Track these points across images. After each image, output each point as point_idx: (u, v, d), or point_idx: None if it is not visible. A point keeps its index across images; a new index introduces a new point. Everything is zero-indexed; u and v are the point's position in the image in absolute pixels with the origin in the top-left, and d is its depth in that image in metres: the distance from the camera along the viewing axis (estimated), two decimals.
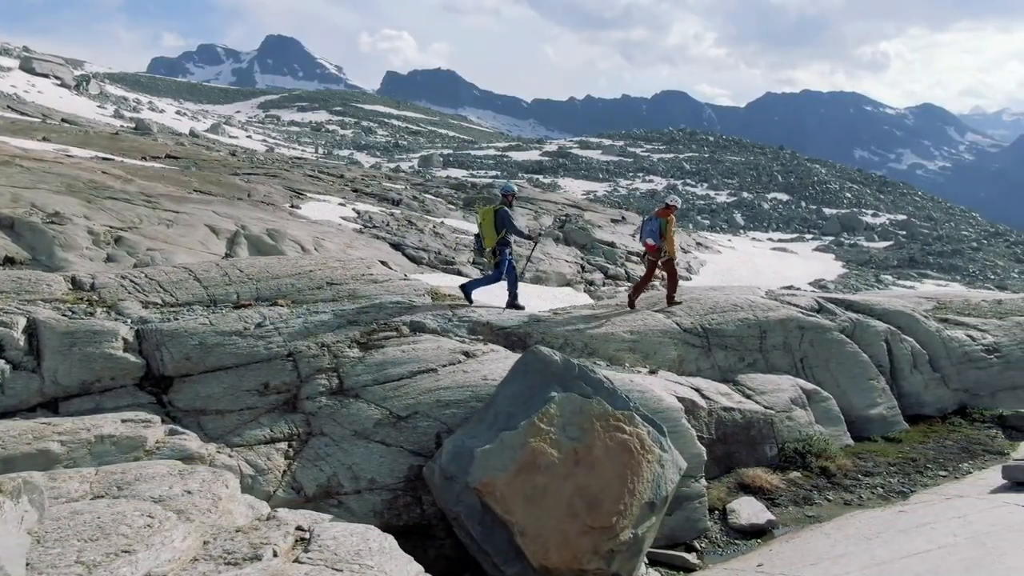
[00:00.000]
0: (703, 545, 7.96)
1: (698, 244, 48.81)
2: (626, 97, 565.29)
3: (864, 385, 11.56)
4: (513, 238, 11.35)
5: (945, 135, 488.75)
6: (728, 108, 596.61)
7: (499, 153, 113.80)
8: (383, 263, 14.05)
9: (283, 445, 7.69)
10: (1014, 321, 13.78)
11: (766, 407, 10.17)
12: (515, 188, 11.98)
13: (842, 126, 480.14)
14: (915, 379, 12.28)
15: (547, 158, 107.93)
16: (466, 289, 11.75)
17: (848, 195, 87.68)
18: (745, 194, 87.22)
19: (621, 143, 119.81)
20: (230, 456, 7.28)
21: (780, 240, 66.54)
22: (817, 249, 61.99)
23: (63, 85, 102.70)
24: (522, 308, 11.68)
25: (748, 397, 10.35)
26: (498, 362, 8.97)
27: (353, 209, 36.82)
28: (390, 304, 10.55)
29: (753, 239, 66.52)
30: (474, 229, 38.90)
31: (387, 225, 35.12)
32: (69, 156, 34.11)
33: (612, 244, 40.36)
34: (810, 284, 45.35)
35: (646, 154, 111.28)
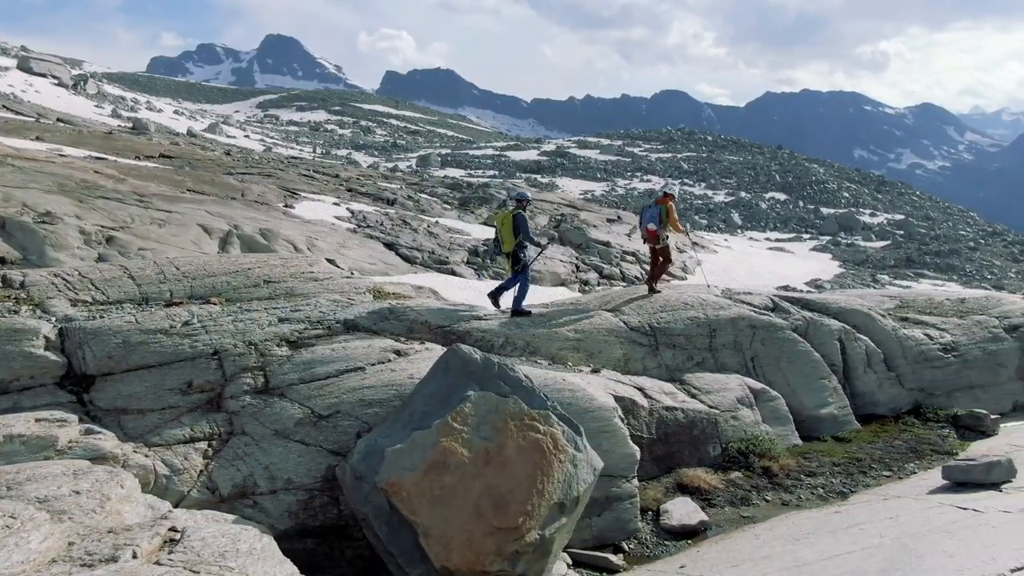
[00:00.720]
0: (632, 546, 7.86)
1: (694, 244, 48.65)
2: (626, 97, 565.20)
3: (815, 384, 11.47)
4: (528, 243, 11.82)
5: (944, 135, 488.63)
6: (728, 108, 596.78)
7: (497, 153, 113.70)
8: (330, 261, 14.03)
9: (203, 445, 7.61)
10: (974, 320, 13.65)
11: (711, 407, 10.10)
12: (530, 195, 12.57)
13: (842, 126, 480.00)
14: (869, 378, 12.18)
15: (545, 158, 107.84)
16: (495, 294, 12.20)
17: (846, 195, 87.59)
18: (743, 194, 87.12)
19: (619, 143, 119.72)
20: (146, 456, 7.18)
21: (777, 240, 66.42)
22: (814, 249, 61.87)
23: (61, 85, 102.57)
24: (528, 313, 11.99)
25: (693, 396, 10.26)
26: (428, 361, 8.76)
27: (347, 209, 36.75)
28: (327, 302, 10.45)
29: (750, 239, 66.43)
30: (469, 229, 38.99)
31: (381, 225, 35.05)
32: (62, 155, 34.01)
33: (607, 244, 40.24)
34: (806, 284, 45.23)
35: (644, 154, 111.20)
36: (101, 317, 8.91)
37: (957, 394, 12.50)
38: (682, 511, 8.27)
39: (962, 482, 8.33)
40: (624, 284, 36.02)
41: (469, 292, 28.93)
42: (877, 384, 12.15)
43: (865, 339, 12.48)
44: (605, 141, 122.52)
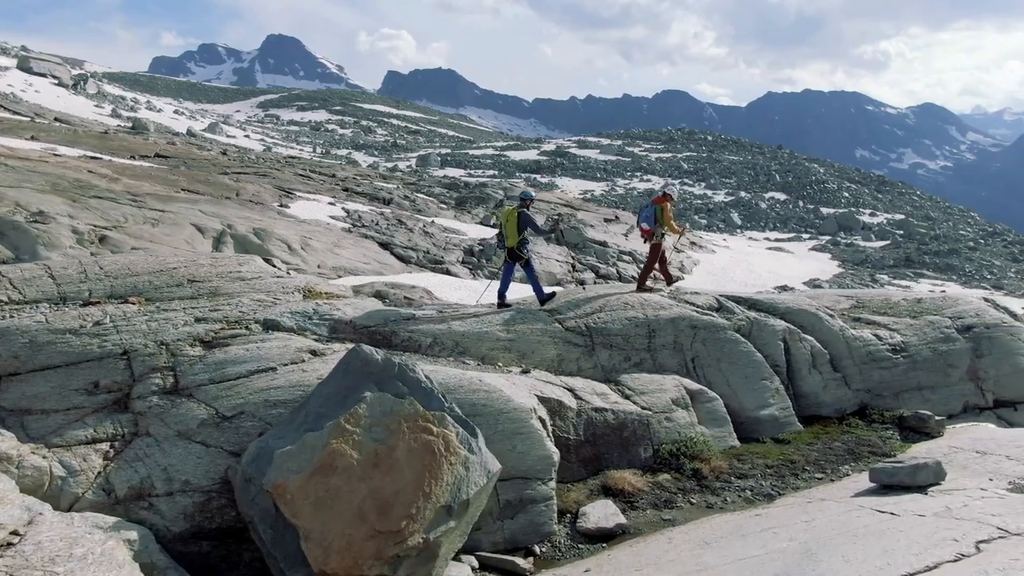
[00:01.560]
0: (544, 549, 7.73)
1: (692, 244, 48.55)
2: (627, 97, 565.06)
3: (756, 385, 11.29)
4: (532, 236, 12.62)
5: (946, 134, 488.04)
6: (729, 107, 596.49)
7: (497, 153, 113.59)
8: (267, 260, 13.86)
9: (104, 446, 7.51)
10: (927, 320, 13.42)
11: (643, 408, 9.94)
12: (534, 195, 13.25)
13: (843, 125, 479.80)
14: (813, 379, 12.00)
15: (545, 157, 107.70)
16: (540, 297, 12.55)
17: (846, 195, 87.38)
18: (743, 193, 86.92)
19: (619, 143, 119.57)
20: (43, 458, 7.06)
21: (777, 240, 66.27)
22: (813, 249, 61.70)
23: (60, 85, 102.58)
24: (510, 306, 12.54)
25: (627, 397, 10.09)
26: None
27: (343, 208, 36.62)
28: (250, 302, 10.31)
29: (750, 239, 66.28)
30: (465, 229, 38.88)
31: (376, 224, 34.94)
32: (56, 155, 33.92)
33: (604, 243, 40.11)
34: (804, 284, 45.03)
35: (644, 154, 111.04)
36: (12, 317, 8.75)
37: (906, 395, 12.34)
38: (600, 514, 8.14)
39: (888, 485, 8.21)
40: (620, 284, 35.96)
41: (464, 291, 28.80)
42: (822, 385, 11.99)
43: (811, 340, 12.33)
44: (605, 141, 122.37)
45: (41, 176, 28.21)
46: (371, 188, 45.26)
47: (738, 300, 12.95)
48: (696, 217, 74.17)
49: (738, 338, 11.67)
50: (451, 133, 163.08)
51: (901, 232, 68.06)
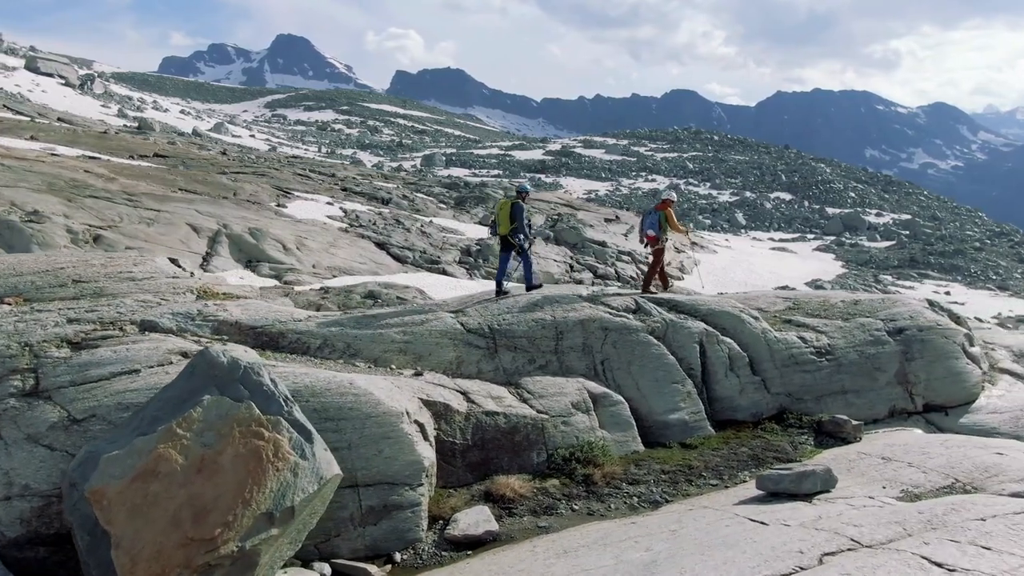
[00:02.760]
0: (406, 556, 7.58)
1: (693, 244, 48.33)
2: (636, 96, 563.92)
3: (666, 389, 11.05)
4: (525, 227, 12.93)
5: (957, 134, 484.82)
6: (738, 107, 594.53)
7: (502, 152, 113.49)
8: (172, 260, 13.80)
9: None
10: (858, 323, 13.14)
11: (540, 411, 9.72)
12: (530, 188, 13.86)
13: (853, 125, 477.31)
14: (730, 383, 11.72)
15: (550, 157, 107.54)
16: (529, 285, 13.14)
17: (852, 194, 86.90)
18: (748, 193, 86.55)
19: (625, 142, 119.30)
20: None
21: (781, 240, 65.95)
22: (817, 249, 61.37)
23: (67, 84, 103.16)
24: (507, 293, 13.00)
25: (525, 401, 9.88)
26: None
27: (341, 208, 36.62)
28: (133, 302, 10.12)
29: (754, 239, 65.98)
30: (464, 229, 38.84)
31: (374, 224, 34.91)
32: (54, 155, 34.05)
33: (603, 244, 39.96)
34: (806, 284, 44.85)
35: (650, 153, 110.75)
36: None
37: (828, 399, 12.06)
38: (471, 521, 7.97)
39: (775, 492, 8.05)
40: (619, 284, 35.82)
41: (459, 292, 28.77)
42: (738, 389, 11.72)
43: (730, 342, 12.07)
44: (611, 141, 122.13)
45: (37, 176, 28.34)
46: (370, 188, 45.26)
47: (659, 302, 12.73)
48: (700, 217, 73.89)
49: (651, 340, 11.46)
50: (457, 133, 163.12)
51: (907, 232, 67.63)
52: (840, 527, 6.50)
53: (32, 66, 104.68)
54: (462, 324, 11.12)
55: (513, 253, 13.22)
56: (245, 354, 7.36)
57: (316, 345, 10.23)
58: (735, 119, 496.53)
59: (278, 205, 34.34)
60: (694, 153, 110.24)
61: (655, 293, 13.68)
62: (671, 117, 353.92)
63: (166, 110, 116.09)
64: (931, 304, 14.48)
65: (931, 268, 53.31)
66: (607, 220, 45.97)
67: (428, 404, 8.85)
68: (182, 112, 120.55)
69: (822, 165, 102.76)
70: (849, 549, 5.98)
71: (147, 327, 9.57)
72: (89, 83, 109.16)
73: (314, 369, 8.91)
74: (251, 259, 26.72)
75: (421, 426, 8.33)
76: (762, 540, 6.41)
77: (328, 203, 37.71)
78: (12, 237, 22.23)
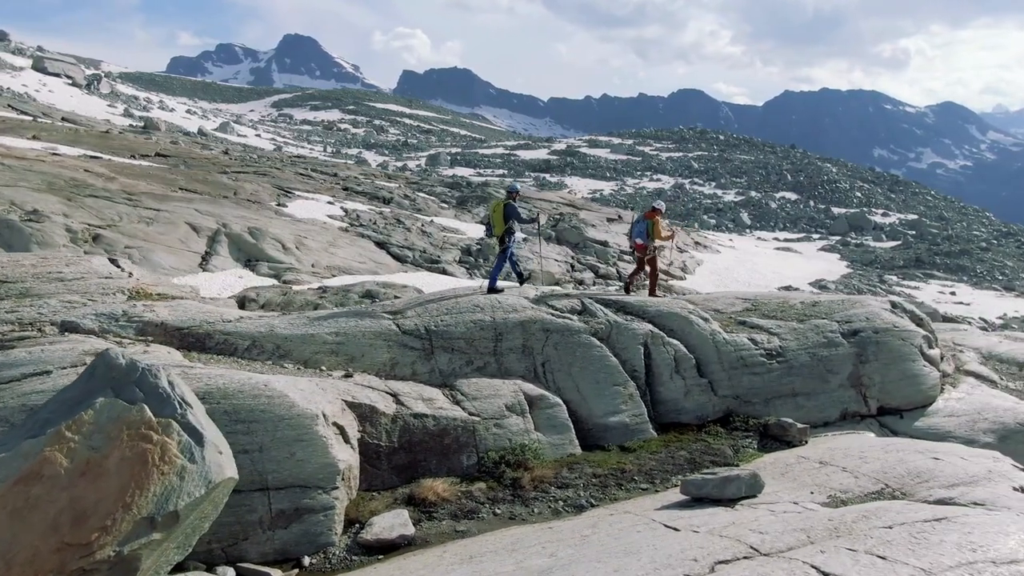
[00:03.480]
0: (314, 561, 7.49)
1: (696, 244, 48.14)
2: (643, 96, 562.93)
3: (607, 391, 10.92)
4: (518, 226, 13.30)
5: (966, 133, 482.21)
6: (745, 107, 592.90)
7: (507, 152, 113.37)
8: (112, 261, 13.70)
9: None
10: (813, 324, 12.96)
11: (472, 414, 9.63)
12: (519, 187, 14.49)
13: (861, 124, 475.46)
14: (674, 385, 11.59)
15: (555, 157, 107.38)
16: (491, 287, 13.27)
17: (858, 194, 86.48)
18: (753, 193, 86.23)
19: (630, 142, 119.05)
20: None
21: (786, 240, 65.68)
22: (822, 249, 61.09)
23: (74, 84, 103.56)
24: (528, 277, 13.89)
25: (458, 403, 9.79)
26: None
27: (341, 207, 36.58)
28: (57, 303, 10.08)
29: (758, 238, 65.71)
30: (465, 228, 38.76)
31: (374, 223, 34.86)
32: (55, 155, 34.10)
33: (605, 243, 39.81)
34: (810, 284, 44.62)
35: (655, 153, 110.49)
36: None
37: (777, 402, 11.87)
38: (386, 524, 7.89)
39: (698, 497, 7.96)
40: (620, 284, 35.70)
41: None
42: (684, 391, 11.61)
43: (677, 344, 11.94)
44: (616, 140, 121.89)
45: (37, 175, 28.39)
46: (372, 187, 45.23)
47: (607, 303, 12.60)
48: (705, 217, 73.63)
49: (592, 342, 11.33)
50: (463, 132, 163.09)
51: (913, 232, 67.24)
52: (745, 534, 6.41)
53: (39, 66, 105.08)
54: (398, 325, 10.97)
55: (501, 249, 13.42)
56: (168, 355, 7.23)
57: (244, 346, 10.14)
58: (742, 118, 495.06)
59: (278, 204, 34.32)
60: (699, 153, 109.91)
61: (661, 296, 13.93)
62: (678, 117, 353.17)
63: (172, 110, 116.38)
64: (894, 306, 14.30)
65: (937, 268, 52.99)
66: (609, 220, 45.78)
67: (353, 406, 8.76)
68: (188, 112, 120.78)
69: (828, 165, 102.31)
70: (745, 557, 5.90)
71: (68, 328, 9.50)
72: (95, 83, 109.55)
73: (231, 371, 8.79)
74: (250, 258, 26.72)
75: (341, 428, 8.25)
76: (663, 547, 6.34)
77: (329, 202, 37.69)
78: (11, 236, 22.27)
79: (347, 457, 8.06)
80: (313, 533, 7.57)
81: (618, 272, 36.70)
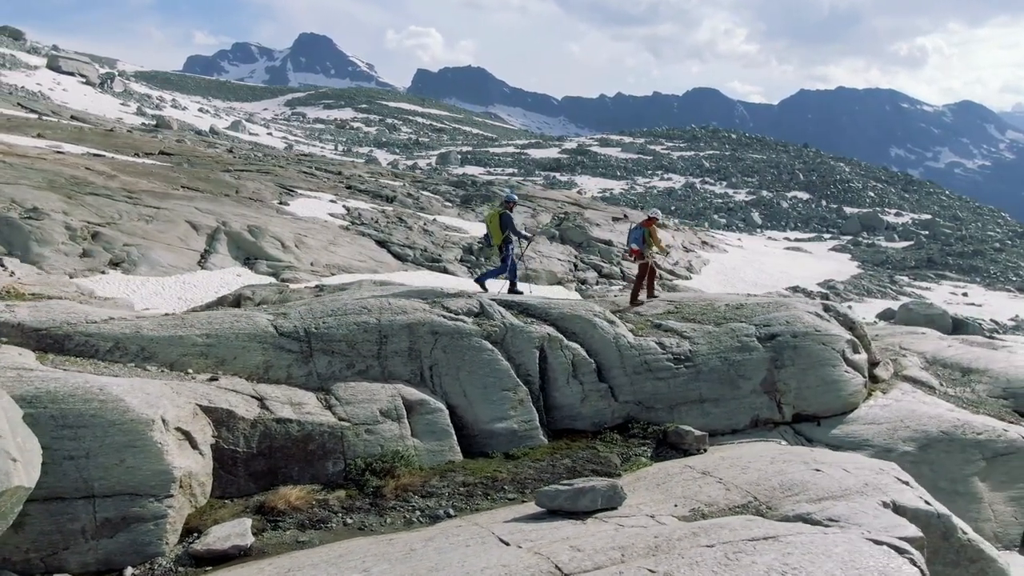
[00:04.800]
0: (137, 572, 7.22)
1: (703, 243, 47.76)
2: (657, 94, 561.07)
3: (496, 396, 10.57)
4: (514, 236, 13.67)
5: (985, 133, 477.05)
6: (760, 105, 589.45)
7: (518, 151, 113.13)
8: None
9: None
10: (729, 328, 12.53)
11: (342, 419, 9.31)
12: (516, 197, 14.67)
13: (878, 124, 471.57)
14: (571, 390, 11.21)
15: (565, 156, 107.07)
16: (480, 280, 14.01)
17: (871, 194, 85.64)
18: (764, 192, 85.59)
19: (641, 141, 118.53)
20: None
21: (796, 239, 65.12)
22: (833, 249, 60.52)
23: (88, 83, 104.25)
24: (520, 293, 13.63)
25: (330, 408, 9.44)
26: None
27: (344, 206, 36.48)
28: None
29: (768, 238, 65.19)
30: (468, 227, 38.60)
31: (375, 222, 34.75)
32: (59, 152, 34.19)
33: (609, 243, 39.53)
34: (819, 285, 44.15)
35: (666, 152, 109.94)
36: None
37: (683, 408, 11.50)
38: (220, 535, 7.59)
39: (553, 509, 7.69)
40: (623, 284, 35.39)
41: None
42: (581, 397, 11.21)
43: (576, 347, 11.56)
44: (628, 139, 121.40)
45: (38, 173, 28.44)
46: (375, 186, 45.14)
47: (510, 304, 12.24)
48: (715, 216, 73.15)
49: (483, 345, 10.97)
50: (475, 131, 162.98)
51: (926, 232, 66.51)
52: (560, 552, 6.22)
53: (54, 65, 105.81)
54: (275, 327, 10.59)
55: (501, 258, 13.90)
56: (19, 357, 6.99)
57: (106, 348, 9.80)
58: (757, 117, 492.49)
59: (280, 203, 34.27)
60: (711, 151, 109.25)
61: (642, 303, 14.13)
62: (693, 115, 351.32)
63: (185, 108, 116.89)
64: (826, 309, 13.93)
65: (949, 269, 52.35)
66: (615, 219, 45.47)
67: (208, 411, 8.47)
68: (200, 110, 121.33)
69: (841, 164, 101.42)
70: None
71: None
72: (109, 82, 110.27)
73: (70, 374, 8.46)
74: (249, 257, 26.70)
75: (187, 434, 8.00)
76: (471, 565, 6.16)
77: (331, 201, 37.61)
78: (11, 234, 22.31)
79: (187, 464, 7.82)
80: (141, 543, 7.32)
81: (622, 272, 36.41)
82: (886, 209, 79.10)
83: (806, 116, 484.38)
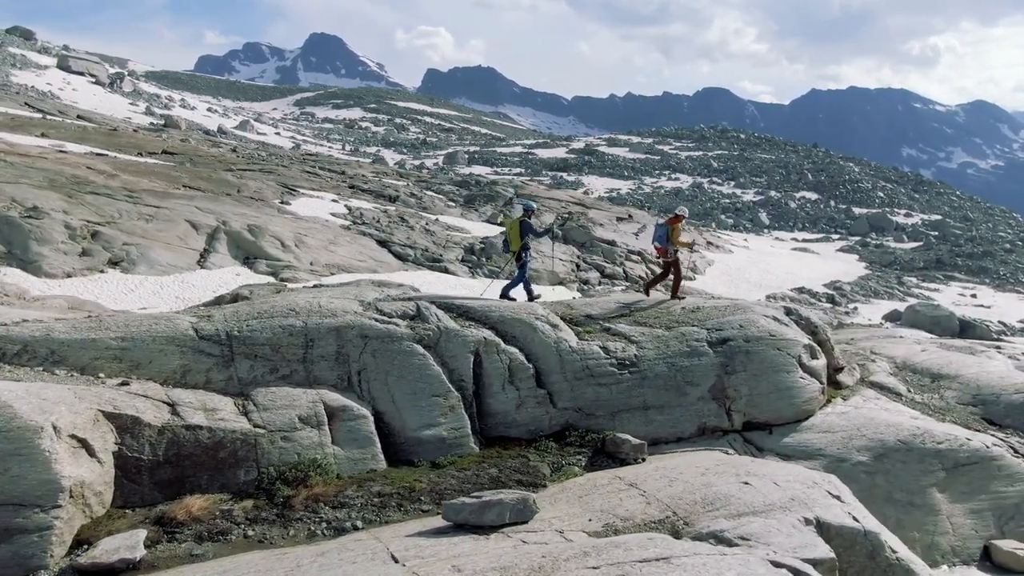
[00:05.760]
0: None
1: (708, 243, 47.46)
2: (667, 94, 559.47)
3: (425, 402, 10.29)
4: (532, 242, 14.18)
5: (998, 133, 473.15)
6: (771, 105, 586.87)
7: (525, 151, 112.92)
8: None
9: None
10: (679, 332, 12.14)
11: (257, 426, 9.01)
12: (535, 206, 15.77)
13: (890, 124, 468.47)
14: (506, 396, 10.85)
15: (573, 155, 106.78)
16: (504, 294, 13.99)
17: (881, 194, 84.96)
18: (772, 193, 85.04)
19: (650, 140, 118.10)
20: None
21: (804, 240, 64.68)
22: (841, 250, 60.05)
23: (98, 83, 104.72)
24: (538, 296, 14.11)
25: (247, 414, 9.14)
26: None
27: (345, 205, 36.42)
28: None
29: (775, 239, 64.77)
30: (470, 227, 38.46)
31: (377, 222, 34.66)
32: (61, 152, 34.26)
33: (612, 243, 39.32)
34: (825, 286, 43.77)
35: (674, 152, 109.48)
36: None
37: (625, 415, 11.08)
38: (109, 547, 7.30)
39: (459, 523, 7.45)
40: (627, 284, 35.17)
41: (460, 290, 28.22)
42: (517, 403, 10.85)
43: (514, 351, 11.20)
44: (635, 139, 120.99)
45: (39, 172, 28.48)
46: (378, 185, 45.07)
47: (449, 307, 11.92)
48: (723, 216, 72.73)
49: (414, 349, 10.66)
50: (483, 131, 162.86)
51: (936, 233, 65.89)
52: (440, 571, 6.04)
53: (63, 65, 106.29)
54: (196, 330, 10.26)
55: (519, 265, 14.33)
56: None
57: (13, 351, 9.51)
58: (768, 117, 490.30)
59: (282, 202, 34.24)
60: (719, 151, 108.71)
61: (683, 298, 14.45)
62: (703, 115, 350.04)
63: (193, 108, 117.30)
64: (787, 312, 13.56)
65: (958, 270, 51.84)
66: (619, 219, 45.24)
67: (112, 417, 8.24)
68: (209, 110, 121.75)
69: (850, 164, 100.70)
70: None
71: None
72: (118, 81, 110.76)
73: None
74: (248, 256, 26.68)
75: (83, 441, 7.78)
76: None
77: (334, 200, 37.56)
78: (11, 233, 22.35)
79: (80, 473, 7.60)
80: (23, 556, 7.04)
81: (625, 272, 36.22)
82: (896, 210, 78.45)
83: (817, 116, 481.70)
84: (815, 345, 12.83)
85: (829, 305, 39.23)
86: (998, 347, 21.42)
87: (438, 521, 7.79)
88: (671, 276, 15.27)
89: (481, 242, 34.59)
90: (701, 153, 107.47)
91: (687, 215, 15.00)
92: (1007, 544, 10.57)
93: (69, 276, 21.73)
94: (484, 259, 33.06)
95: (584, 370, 11.29)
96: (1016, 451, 11.95)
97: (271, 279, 24.57)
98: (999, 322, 36.72)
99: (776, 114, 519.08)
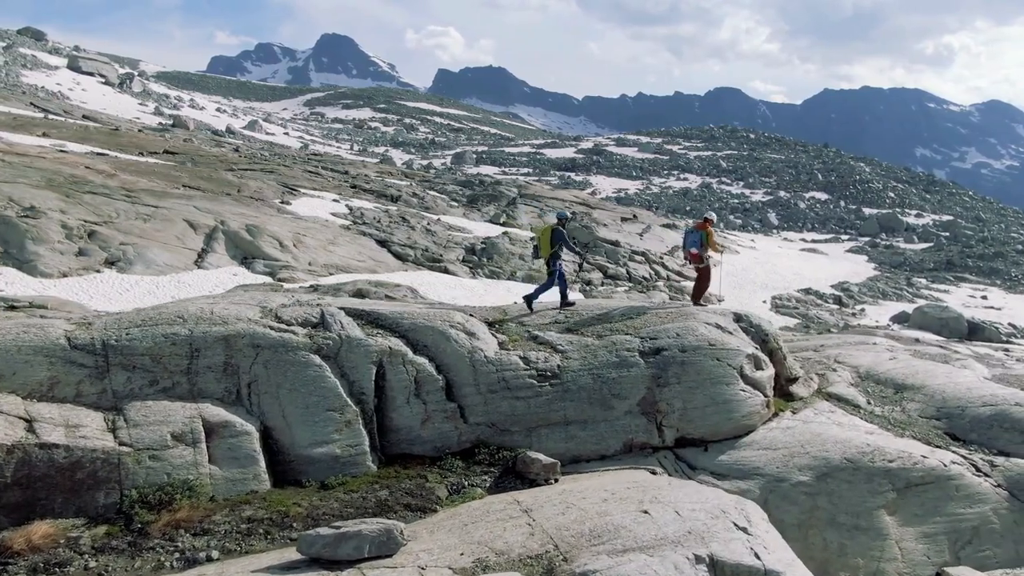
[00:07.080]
0: None
1: (723, 246, 46.76)
2: (679, 94, 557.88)
3: (318, 417, 9.58)
4: (564, 250, 13.93)
5: (1013, 132, 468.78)
6: (783, 105, 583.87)
7: (533, 151, 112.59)
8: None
9: None
10: (610, 340, 11.36)
11: (123, 443, 8.39)
12: (568, 214, 15.11)
13: (903, 124, 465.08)
14: (411, 411, 10.15)
15: (581, 155, 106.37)
16: (528, 299, 13.66)
17: (892, 195, 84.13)
18: (782, 193, 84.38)
19: (659, 140, 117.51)
20: None
21: (813, 241, 64.08)
22: (850, 251, 59.45)
23: (107, 83, 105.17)
24: (573, 304, 13.66)
25: (114, 430, 8.49)
26: None
27: (346, 205, 36.21)
28: None
29: (784, 239, 64.19)
30: (472, 227, 38.17)
31: (377, 221, 34.43)
32: (62, 151, 34.22)
33: (616, 243, 38.96)
34: (832, 287, 43.27)
35: (683, 152, 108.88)
36: None
37: (544, 431, 10.36)
38: None
39: (314, 557, 6.89)
40: (630, 285, 34.80)
41: (459, 291, 28.04)
42: (422, 418, 10.16)
43: (424, 362, 10.50)
44: (644, 139, 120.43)
45: (38, 172, 28.41)
46: (381, 185, 44.87)
47: (359, 314, 11.17)
48: (731, 217, 72.20)
49: (310, 360, 9.95)
50: (492, 131, 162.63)
51: (947, 234, 65.18)
52: None
53: (74, 65, 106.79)
54: (69, 338, 9.50)
55: (548, 272, 14.09)
56: None
57: None
58: (780, 117, 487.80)
59: (282, 202, 34.05)
60: (729, 151, 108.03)
61: (704, 305, 14.22)
62: (715, 115, 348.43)
63: (203, 108, 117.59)
64: (737, 319, 12.76)
65: (969, 271, 51.18)
66: (623, 219, 44.89)
67: None
68: (218, 110, 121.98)
69: (861, 164, 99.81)
70: None
71: None
72: (128, 82, 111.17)
73: None
74: (247, 256, 26.49)
75: None
76: None
77: (335, 200, 37.36)
78: (7, 232, 22.26)
79: None
80: None
81: (628, 273, 35.84)
82: (906, 210, 77.67)
83: (830, 116, 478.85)
84: (761, 355, 12.05)
85: (836, 306, 38.71)
86: (1007, 350, 20.73)
87: (295, 554, 7.26)
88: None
89: (482, 242, 34.30)
90: (710, 153, 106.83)
91: (715, 220, 14.97)
92: (961, 572, 9.56)
93: (65, 276, 21.56)
94: (485, 259, 32.77)
95: (500, 382, 10.56)
96: (979, 469, 11.00)
97: (268, 279, 24.38)
98: (1009, 324, 36.11)
99: (788, 114, 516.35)
